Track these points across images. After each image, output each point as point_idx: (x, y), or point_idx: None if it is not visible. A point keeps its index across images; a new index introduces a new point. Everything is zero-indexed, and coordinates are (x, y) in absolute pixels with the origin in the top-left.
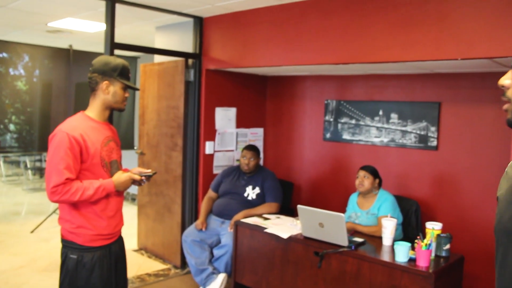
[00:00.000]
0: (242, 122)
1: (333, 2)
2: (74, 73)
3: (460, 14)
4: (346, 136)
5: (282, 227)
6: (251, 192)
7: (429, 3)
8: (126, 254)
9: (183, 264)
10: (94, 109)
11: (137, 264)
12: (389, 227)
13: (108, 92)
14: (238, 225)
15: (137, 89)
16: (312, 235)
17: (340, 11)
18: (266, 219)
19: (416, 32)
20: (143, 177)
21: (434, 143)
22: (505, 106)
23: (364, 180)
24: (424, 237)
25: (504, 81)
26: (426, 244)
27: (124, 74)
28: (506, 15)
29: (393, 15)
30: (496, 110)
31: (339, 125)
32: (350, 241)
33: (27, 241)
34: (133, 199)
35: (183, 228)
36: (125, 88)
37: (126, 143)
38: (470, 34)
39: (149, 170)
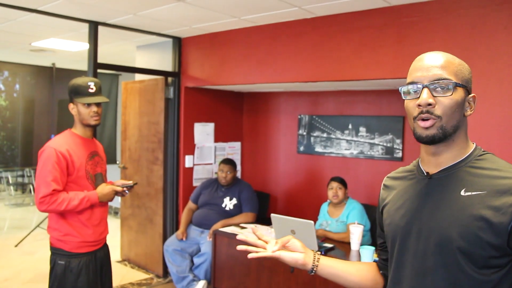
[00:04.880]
0: (220, 136)
1: (302, 25)
2: (57, 90)
3: (415, 38)
4: (318, 148)
5: None
6: (228, 203)
7: (389, 27)
8: (111, 260)
9: (165, 273)
10: (77, 127)
11: (121, 274)
12: (356, 233)
13: (74, 112)
14: (216, 234)
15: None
16: None
17: (309, 33)
18: (243, 228)
19: (377, 52)
20: (124, 188)
21: (400, 154)
22: (430, 123)
23: (338, 191)
24: None
25: (429, 100)
26: None
27: (80, 92)
28: (458, 40)
29: (356, 37)
30: None
31: (312, 139)
32: (320, 247)
33: (12, 254)
34: (116, 212)
35: (165, 238)
36: (88, 104)
37: (109, 158)
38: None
39: (131, 182)
